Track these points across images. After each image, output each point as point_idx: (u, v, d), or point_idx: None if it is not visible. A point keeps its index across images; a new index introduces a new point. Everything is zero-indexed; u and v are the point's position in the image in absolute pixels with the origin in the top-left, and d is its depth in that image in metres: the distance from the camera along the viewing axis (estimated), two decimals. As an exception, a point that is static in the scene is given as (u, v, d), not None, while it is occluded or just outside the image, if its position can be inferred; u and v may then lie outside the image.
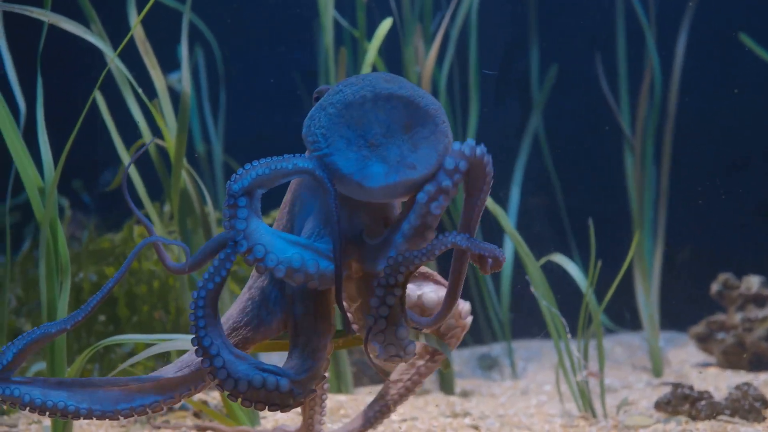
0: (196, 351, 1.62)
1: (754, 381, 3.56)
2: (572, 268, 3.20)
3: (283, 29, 5.03)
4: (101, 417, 1.71)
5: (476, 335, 4.71)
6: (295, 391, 1.65)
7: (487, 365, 4.45)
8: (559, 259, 3.22)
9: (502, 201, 4.42)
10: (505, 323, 4.38)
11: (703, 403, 2.87)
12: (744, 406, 2.83)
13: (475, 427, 2.80)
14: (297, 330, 1.71)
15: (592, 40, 4.83)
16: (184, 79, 2.61)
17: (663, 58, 4.59)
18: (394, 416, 3.02)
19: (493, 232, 4.37)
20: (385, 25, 3.43)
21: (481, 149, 1.65)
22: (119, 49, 2.34)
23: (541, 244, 3.86)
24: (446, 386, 3.81)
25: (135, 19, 2.79)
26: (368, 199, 1.66)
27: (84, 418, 1.71)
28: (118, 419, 1.73)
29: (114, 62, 2.62)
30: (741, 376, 3.75)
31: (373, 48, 3.42)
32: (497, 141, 4.82)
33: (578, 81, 4.92)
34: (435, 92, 4.17)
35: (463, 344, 4.74)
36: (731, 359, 3.99)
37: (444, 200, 1.63)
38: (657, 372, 4.10)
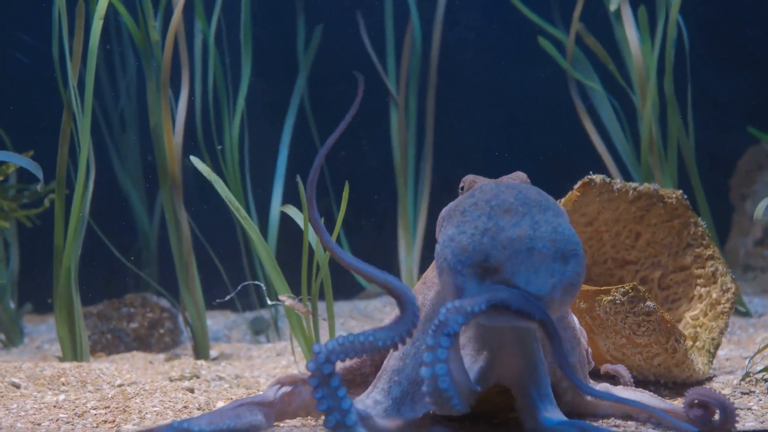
0: None
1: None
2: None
3: None
4: None
5: (247, 301, 4.62)
6: None
7: (258, 329, 4.37)
8: (293, 212, 3.07)
9: (271, 166, 4.35)
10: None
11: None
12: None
13: (190, 390, 2.71)
14: None
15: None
16: None
17: (425, 15, 4.61)
18: (117, 378, 2.91)
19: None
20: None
21: None
22: None
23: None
24: (200, 351, 3.70)
25: None
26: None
27: None
28: None
29: None
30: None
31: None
32: (266, 103, 4.74)
33: (344, 41, 4.87)
34: (202, 55, 4.02)
35: (236, 309, 4.65)
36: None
37: None
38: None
